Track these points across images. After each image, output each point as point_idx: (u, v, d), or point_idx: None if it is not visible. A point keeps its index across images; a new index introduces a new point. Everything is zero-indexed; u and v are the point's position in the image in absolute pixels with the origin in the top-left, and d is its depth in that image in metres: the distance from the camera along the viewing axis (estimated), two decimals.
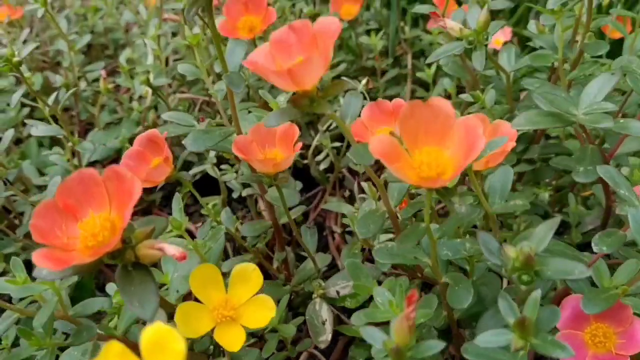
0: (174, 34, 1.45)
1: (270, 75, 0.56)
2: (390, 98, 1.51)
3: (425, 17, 1.77)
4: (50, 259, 0.49)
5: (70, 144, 1.08)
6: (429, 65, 1.33)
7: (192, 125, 0.90)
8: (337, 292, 0.83)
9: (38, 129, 1.00)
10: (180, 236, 0.72)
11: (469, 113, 1.02)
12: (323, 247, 1.20)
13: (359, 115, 0.76)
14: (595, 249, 0.65)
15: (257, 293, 0.66)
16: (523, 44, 1.77)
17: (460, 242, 0.67)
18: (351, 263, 0.72)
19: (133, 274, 0.53)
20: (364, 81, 1.16)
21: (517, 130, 0.74)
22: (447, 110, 0.56)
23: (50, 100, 1.00)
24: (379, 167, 1.07)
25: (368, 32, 1.62)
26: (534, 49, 1.74)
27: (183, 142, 0.78)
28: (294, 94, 0.59)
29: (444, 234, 0.62)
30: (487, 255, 0.56)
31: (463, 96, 0.97)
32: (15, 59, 0.87)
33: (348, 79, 1.39)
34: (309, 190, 1.34)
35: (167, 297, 0.73)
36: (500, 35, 1.62)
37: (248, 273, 0.66)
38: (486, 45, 0.80)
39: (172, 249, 0.52)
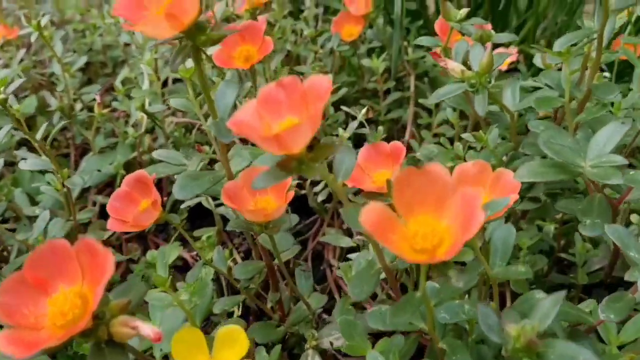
0: None
1: (257, 140, 0.52)
2: (392, 121, 1.48)
3: None
4: (17, 343, 0.45)
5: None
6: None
7: (183, 164, 0.86)
8: (331, 343, 0.79)
9: (27, 163, 0.97)
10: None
11: (470, 148, 0.98)
12: (321, 277, 1.17)
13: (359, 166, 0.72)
14: (602, 316, 0.61)
15: (244, 358, 0.62)
16: (529, 62, 1.73)
17: (459, 304, 0.63)
18: (344, 321, 0.68)
19: (106, 352, 0.49)
20: (363, 110, 1.12)
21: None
22: (444, 178, 0.52)
23: (40, 133, 0.96)
24: None
25: (370, 52, 1.59)
26: (540, 70, 1.71)
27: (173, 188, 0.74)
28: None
29: (442, 301, 0.58)
30: (486, 331, 0.52)
31: (465, 136, 0.93)
32: (1, 96, 0.84)
33: (348, 107, 1.35)
34: (308, 217, 1.30)
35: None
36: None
37: (234, 336, 0.62)
38: (489, 89, 0.76)
39: (147, 329, 0.48)
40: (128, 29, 0.57)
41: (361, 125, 1.10)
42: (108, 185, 1.33)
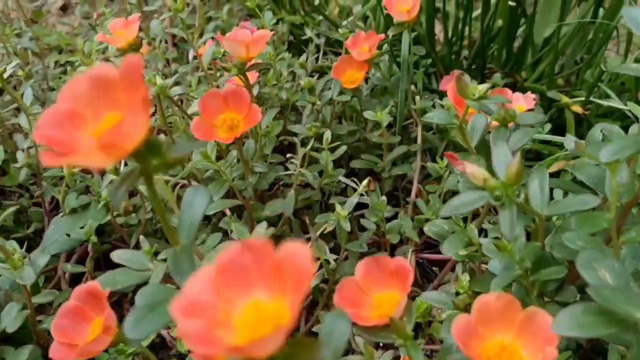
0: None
1: (208, 335, 0.37)
2: (397, 178, 1.33)
3: (438, 79, 1.59)
4: None
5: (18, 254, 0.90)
6: (441, 156, 1.14)
7: (147, 270, 0.72)
8: None
9: None
10: None
11: (485, 234, 0.83)
12: None
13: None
14: None
15: None
16: (546, 103, 1.58)
17: None
18: None
19: None
20: (364, 182, 0.97)
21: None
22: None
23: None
24: None
25: (374, 95, 1.44)
26: (561, 110, 1.56)
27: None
28: None
29: None
30: None
31: (486, 227, 0.78)
32: None
33: (348, 159, 1.21)
34: None
35: None
36: (522, 101, 1.42)
37: None
38: (518, 202, 0.61)
39: None
40: (50, 164, 0.42)
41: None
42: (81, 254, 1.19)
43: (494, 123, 0.78)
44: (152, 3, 1.92)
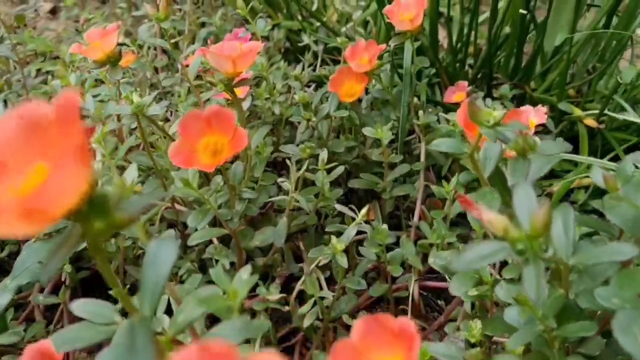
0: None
1: None
2: (398, 198, 1.23)
3: (442, 90, 1.48)
4: None
5: None
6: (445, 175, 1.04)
7: (112, 323, 0.62)
8: None
9: None
10: None
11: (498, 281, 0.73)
12: None
13: None
14: None
15: None
16: (557, 115, 1.47)
17: None
18: None
19: None
20: (363, 211, 0.87)
21: None
22: None
23: None
24: None
25: (373, 106, 1.34)
26: (573, 122, 1.45)
27: None
28: None
29: None
30: None
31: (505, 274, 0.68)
32: None
33: (346, 178, 1.10)
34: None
35: None
36: (532, 114, 1.32)
37: None
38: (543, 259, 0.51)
39: None
40: None
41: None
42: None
43: (511, 152, 0.68)
44: (142, 7, 1.82)
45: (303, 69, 1.45)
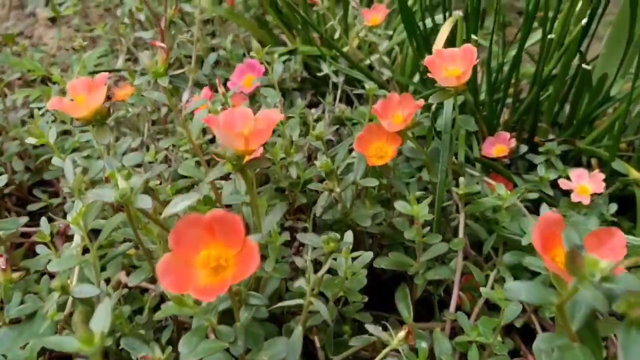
0: None
1: None
2: (432, 284, 1.04)
3: (479, 139, 1.29)
4: None
5: None
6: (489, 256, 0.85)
7: None
8: None
9: None
10: None
11: None
12: None
13: None
14: None
15: None
16: (609, 171, 1.27)
17: None
18: None
19: None
20: (401, 334, 0.69)
21: None
22: None
23: None
24: None
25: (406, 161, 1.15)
26: (627, 198, 1.25)
27: None
28: None
29: None
30: None
31: None
32: None
33: (373, 257, 0.93)
34: None
35: None
36: (586, 181, 1.13)
37: None
38: None
39: None
40: None
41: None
42: None
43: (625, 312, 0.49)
44: (145, 23, 1.63)
45: (324, 111, 1.27)
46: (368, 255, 0.85)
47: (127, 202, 0.66)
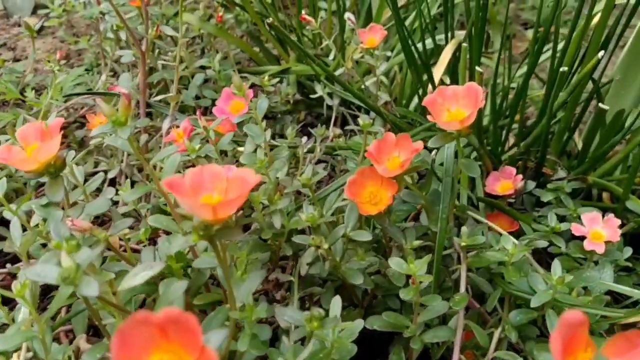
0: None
1: None
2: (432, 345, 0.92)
3: (482, 171, 1.17)
4: None
5: None
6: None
7: None
8: None
9: None
10: None
11: None
12: None
13: None
14: None
15: None
16: (622, 207, 1.16)
17: None
18: None
19: None
20: None
21: None
22: None
23: None
24: None
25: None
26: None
27: None
28: None
29: None
30: None
31: None
32: None
33: (364, 315, 0.82)
34: None
35: None
36: (600, 227, 1.02)
37: None
38: None
39: None
40: None
41: None
42: None
43: None
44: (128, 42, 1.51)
45: (315, 142, 1.16)
46: (359, 323, 0.75)
47: (71, 285, 0.55)
